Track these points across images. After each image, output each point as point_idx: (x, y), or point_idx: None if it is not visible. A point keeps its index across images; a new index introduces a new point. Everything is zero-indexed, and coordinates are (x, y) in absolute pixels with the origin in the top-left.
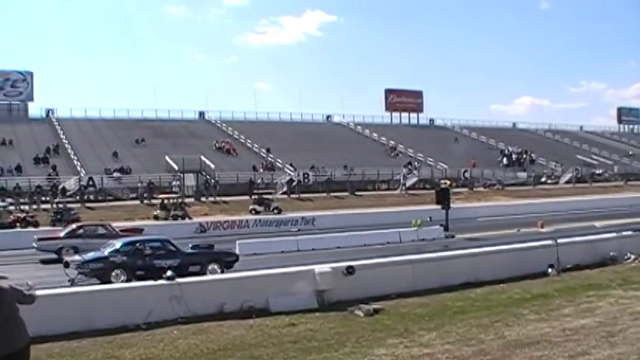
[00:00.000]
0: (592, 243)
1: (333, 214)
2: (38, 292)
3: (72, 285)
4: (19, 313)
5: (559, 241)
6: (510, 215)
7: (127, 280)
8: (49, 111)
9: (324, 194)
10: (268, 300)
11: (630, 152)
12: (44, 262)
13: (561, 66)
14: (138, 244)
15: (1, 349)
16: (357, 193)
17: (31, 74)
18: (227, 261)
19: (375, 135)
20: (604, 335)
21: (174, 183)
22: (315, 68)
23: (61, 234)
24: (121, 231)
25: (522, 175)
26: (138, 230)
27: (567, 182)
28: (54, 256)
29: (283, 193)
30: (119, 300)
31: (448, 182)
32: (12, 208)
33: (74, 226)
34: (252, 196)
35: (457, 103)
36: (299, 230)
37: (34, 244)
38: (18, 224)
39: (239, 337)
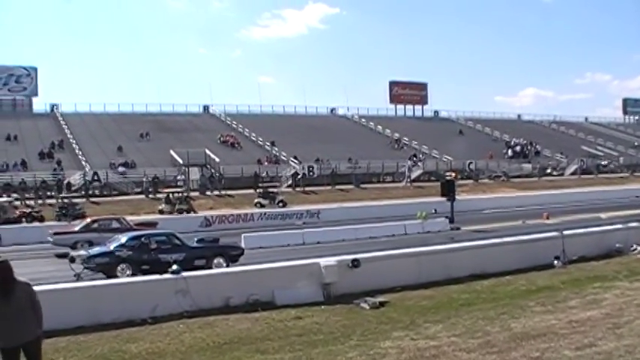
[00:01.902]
0: (598, 234)
1: (338, 207)
2: (44, 287)
3: (78, 280)
4: (31, 308)
5: (565, 232)
6: (515, 207)
7: (133, 275)
8: (53, 106)
9: (329, 187)
10: (274, 293)
11: (636, 143)
12: (59, 256)
13: (566, 57)
14: (143, 239)
15: (10, 341)
16: (361, 185)
17: (35, 69)
18: (232, 255)
19: (379, 127)
20: (610, 327)
21: (179, 177)
22: (319, 61)
23: (76, 228)
24: (136, 225)
25: (527, 166)
26: (152, 224)
27: (572, 174)
28: (69, 250)
29: (288, 187)
30: (125, 294)
31: (453, 174)
32: (17, 203)
33: (89, 220)
34: (257, 190)
35: (461, 95)
36: (304, 223)
37: (49, 239)
38: (24, 219)
39: (245, 331)
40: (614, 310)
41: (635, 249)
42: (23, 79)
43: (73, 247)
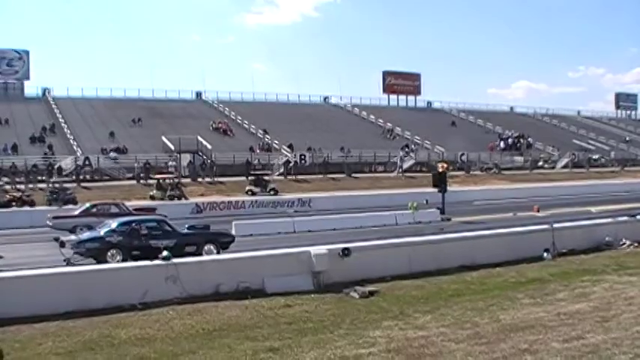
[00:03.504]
0: (588, 228)
1: (329, 196)
2: (33, 272)
3: (68, 265)
4: None
5: (555, 225)
6: (506, 199)
7: (123, 260)
8: (45, 90)
9: (321, 176)
10: (264, 281)
11: (627, 138)
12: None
13: (559, 50)
14: (134, 224)
15: None
16: (353, 175)
17: (27, 53)
18: (223, 242)
19: (372, 117)
20: (598, 320)
21: (170, 163)
22: (313, 49)
23: (76, 212)
24: (134, 210)
25: (519, 159)
26: (151, 209)
27: (564, 167)
28: (68, 234)
29: (280, 175)
30: (115, 280)
31: (445, 165)
32: (8, 187)
33: (88, 204)
34: (249, 177)
35: (455, 86)
36: (295, 212)
37: (48, 222)
38: (14, 203)
39: (234, 318)
40: (602, 304)
41: (625, 243)
42: (15, 62)
43: (72, 231)
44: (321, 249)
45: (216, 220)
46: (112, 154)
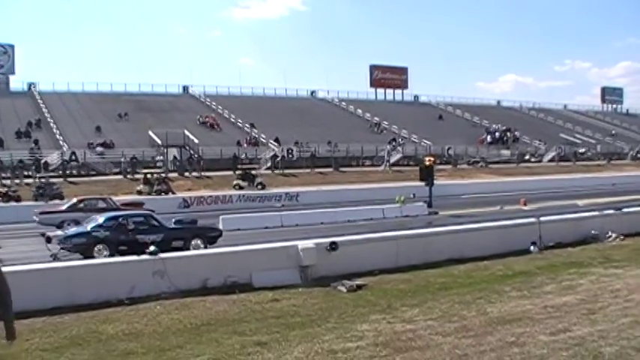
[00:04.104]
0: (574, 221)
1: (317, 190)
2: (20, 267)
3: (54, 260)
4: None
5: (541, 219)
6: (493, 193)
7: (110, 255)
8: (30, 84)
9: (308, 170)
10: (251, 275)
11: (613, 132)
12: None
13: (546, 44)
14: (121, 219)
15: None
16: (341, 169)
17: (12, 47)
18: (210, 236)
19: (359, 111)
20: (585, 312)
21: (158, 157)
22: (300, 43)
23: (63, 207)
24: (122, 205)
25: (506, 152)
26: (139, 204)
27: (550, 160)
28: (55, 229)
29: (267, 169)
30: (102, 275)
31: (432, 159)
32: None
33: (75, 199)
34: (236, 172)
35: (442, 80)
36: (283, 206)
37: (35, 218)
38: (0, 199)
39: (222, 313)
40: (588, 296)
41: (611, 236)
42: (0, 56)
43: (59, 226)
44: (309, 243)
45: (203, 215)
46: (99, 149)
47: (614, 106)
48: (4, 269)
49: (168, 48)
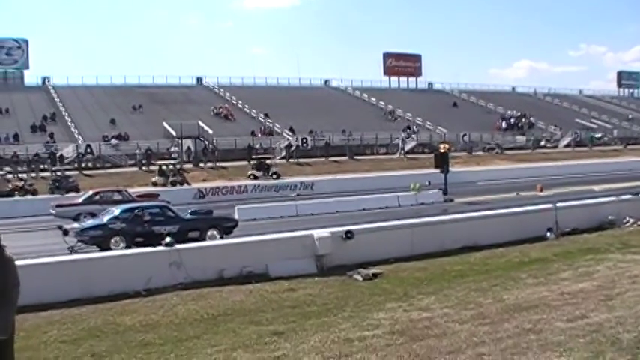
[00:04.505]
0: (591, 207)
1: (331, 179)
2: (38, 260)
3: (71, 252)
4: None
5: (558, 205)
6: (509, 179)
7: (127, 247)
8: (45, 79)
9: (323, 159)
10: (267, 265)
11: (630, 116)
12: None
13: (560, 29)
14: (137, 211)
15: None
16: (355, 157)
17: (27, 42)
18: (226, 227)
19: (373, 99)
20: (602, 299)
21: (172, 149)
22: (312, 32)
23: (79, 200)
24: (138, 196)
25: (521, 139)
26: (154, 195)
27: (566, 146)
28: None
29: (282, 158)
30: (118, 267)
31: (447, 146)
32: (10, 176)
33: (91, 192)
34: (251, 162)
35: (456, 67)
36: (298, 195)
37: (52, 211)
38: (16, 193)
39: (238, 303)
40: (606, 282)
41: (628, 221)
42: (14, 51)
43: (76, 219)
44: (324, 232)
45: (218, 206)
46: (114, 142)
47: (631, 90)
48: (19, 263)
49: (181, 39)
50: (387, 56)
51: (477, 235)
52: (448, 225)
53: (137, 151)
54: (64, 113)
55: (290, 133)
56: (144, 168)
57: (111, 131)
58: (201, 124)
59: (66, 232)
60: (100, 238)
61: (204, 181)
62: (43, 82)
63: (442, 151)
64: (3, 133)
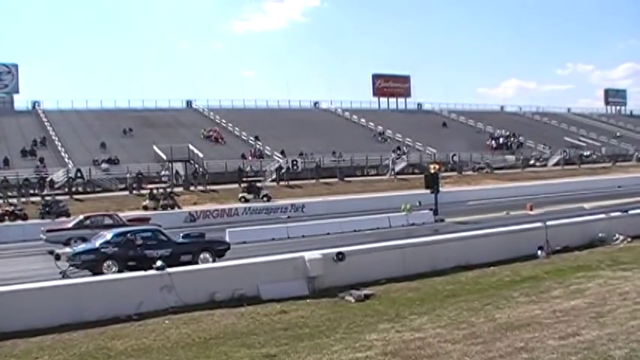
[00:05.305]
0: (581, 224)
1: (322, 201)
2: (29, 285)
3: (63, 277)
4: None
5: (548, 223)
6: (499, 198)
7: (119, 271)
8: (35, 103)
9: (313, 181)
10: (259, 288)
11: (618, 133)
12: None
13: (547, 48)
14: (129, 235)
15: None
16: (346, 178)
17: (16, 66)
18: (219, 249)
19: (362, 120)
20: (593, 316)
21: (163, 172)
22: (301, 55)
23: (69, 225)
24: (129, 220)
25: (511, 158)
26: (145, 219)
27: (556, 164)
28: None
29: (272, 181)
30: (110, 291)
31: (437, 166)
32: (0, 201)
33: (81, 216)
34: (242, 184)
35: (444, 86)
36: (289, 217)
37: (42, 236)
38: (6, 218)
39: (230, 326)
40: (597, 300)
41: (618, 238)
42: (4, 76)
43: (66, 243)
44: (316, 254)
45: (209, 228)
46: (104, 165)
47: (618, 107)
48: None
49: (171, 63)
50: (376, 77)
51: (469, 255)
52: (439, 245)
53: (128, 175)
54: (54, 137)
55: (280, 156)
56: (134, 192)
57: (101, 155)
58: (191, 147)
59: (58, 257)
60: (93, 263)
61: (194, 204)
62: (33, 107)
63: (432, 171)
64: None
